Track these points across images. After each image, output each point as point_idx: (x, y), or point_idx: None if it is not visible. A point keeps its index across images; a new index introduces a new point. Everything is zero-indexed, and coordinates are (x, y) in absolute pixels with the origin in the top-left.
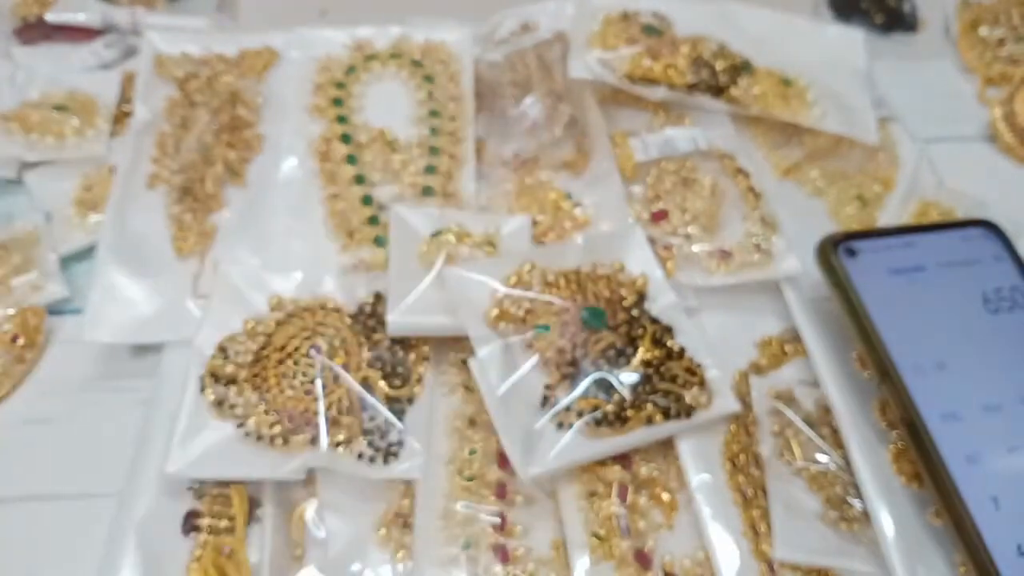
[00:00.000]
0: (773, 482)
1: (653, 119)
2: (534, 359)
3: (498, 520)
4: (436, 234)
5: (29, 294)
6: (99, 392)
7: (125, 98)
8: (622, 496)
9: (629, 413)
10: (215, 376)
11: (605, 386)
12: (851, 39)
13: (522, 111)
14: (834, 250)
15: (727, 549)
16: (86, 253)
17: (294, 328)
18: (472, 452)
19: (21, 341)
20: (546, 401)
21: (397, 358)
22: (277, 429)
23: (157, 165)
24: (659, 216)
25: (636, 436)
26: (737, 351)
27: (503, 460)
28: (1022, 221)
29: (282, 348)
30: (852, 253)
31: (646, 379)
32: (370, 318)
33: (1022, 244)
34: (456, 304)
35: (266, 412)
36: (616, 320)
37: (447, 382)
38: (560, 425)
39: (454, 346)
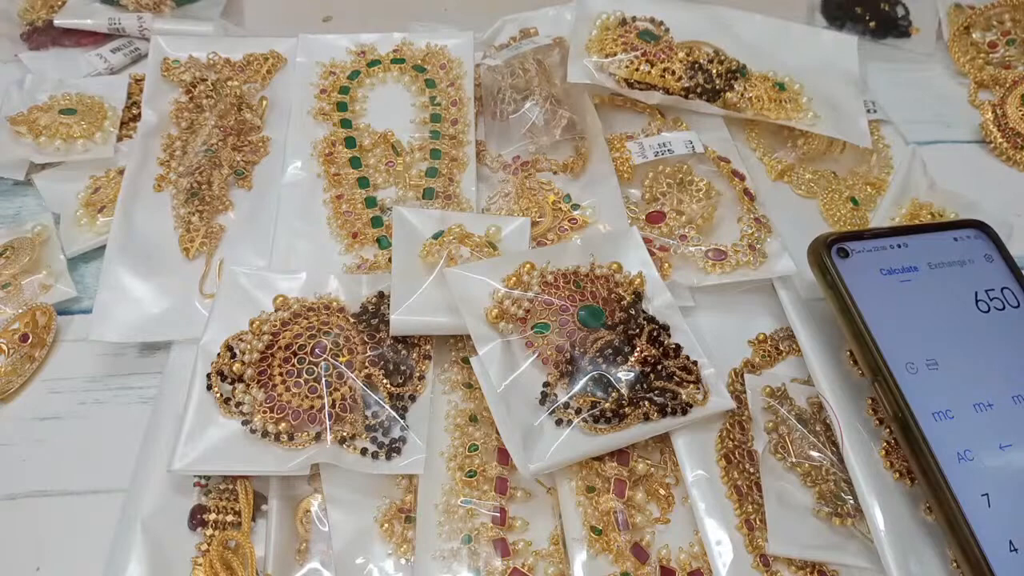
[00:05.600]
0: (767, 478)
1: (650, 123)
2: (533, 357)
3: (498, 515)
4: (438, 235)
5: (38, 294)
6: (107, 390)
7: (132, 102)
8: (619, 491)
9: (626, 410)
10: (222, 374)
11: (603, 384)
12: (844, 44)
13: (522, 115)
14: (827, 251)
15: (722, 543)
16: (94, 254)
17: (299, 327)
18: (473, 448)
19: (30, 340)
20: (545, 398)
21: (399, 356)
22: (282, 426)
23: (164, 168)
24: (656, 217)
25: (633, 432)
26: (732, 349)
27: (503, 456)
28: (1013, 222)
29: (287, 347)
30: (844, 254)
31: (643, 377)
32: (373, 317)
33: (1013, 245)
34: (457, 304)
35: (271, 409)
36: (614, 319)
37: (448, 380)
38: (559, 422)
39: (455, 345)
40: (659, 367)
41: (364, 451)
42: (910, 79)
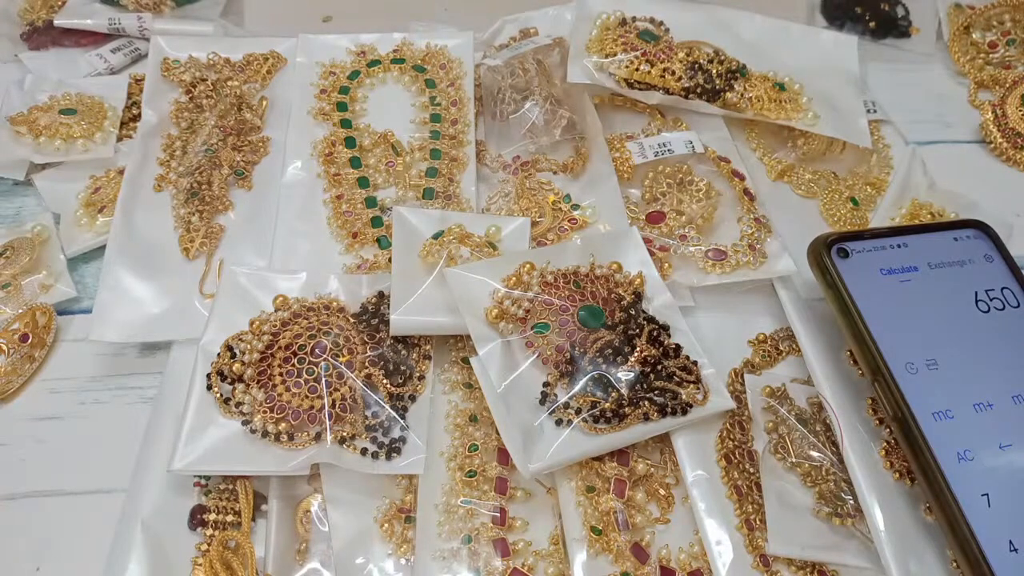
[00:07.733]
0: (767, 478)
1: (650, 123)
2: (533, 357)
3: (498, 515)
4: (438, 235)
5: (38, 294)
6: (107, 390)
7: (132, 102)
8: (619, 491)
9: (626, 410)
10: (221, 374)
11: (603, 384)
12: (844, 44)
13: (522, 115)
14: (827, 251)
15: (722, 543)
16: (94, 254)
17: (299, 327)
18: (473, 448)
19: (30, 340)
20: (545, 398)
21: (399, 356)
22: (282, 426)
23: (164, 168)
24: (656, 217)
25: (633, 432)
26: (732, 349)
27: (503, 456)
28: (1013, 222)
29: (287, 347)
30: (844, 254)
31: (643, 377)
32: (373, 317)
33: (1013, 245)
34: (457, 304)
35: (271, 409)
36: (614, 319)
37: (448, 380)
38: (559, 422)
39: (455, 345)
40: (659, 367)
41: (364, 451)
42: (910, 79)
